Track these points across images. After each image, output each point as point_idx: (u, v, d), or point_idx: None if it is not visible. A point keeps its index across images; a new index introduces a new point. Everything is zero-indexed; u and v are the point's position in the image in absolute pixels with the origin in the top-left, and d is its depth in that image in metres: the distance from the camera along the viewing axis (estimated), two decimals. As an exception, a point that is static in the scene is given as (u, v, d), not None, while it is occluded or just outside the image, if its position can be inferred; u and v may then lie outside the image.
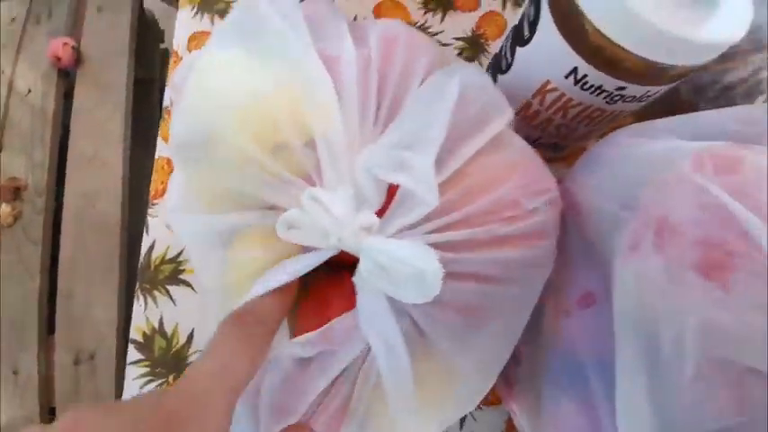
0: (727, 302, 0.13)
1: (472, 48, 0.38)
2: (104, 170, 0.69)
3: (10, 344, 0.65)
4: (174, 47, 0.35)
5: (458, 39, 0.39)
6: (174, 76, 0.26)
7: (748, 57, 0.31)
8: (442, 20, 0.39)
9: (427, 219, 0.20)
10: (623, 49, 0.22)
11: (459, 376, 0.23)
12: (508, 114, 0.25)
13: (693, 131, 0.20)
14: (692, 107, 0.34)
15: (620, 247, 0.17)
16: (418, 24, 0.38)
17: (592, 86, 0.25)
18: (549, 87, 0.27)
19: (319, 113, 0.21)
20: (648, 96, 0.26)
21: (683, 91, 0.34)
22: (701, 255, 0.14)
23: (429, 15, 0.39)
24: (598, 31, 0.22)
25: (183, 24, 0.35)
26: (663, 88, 0.25)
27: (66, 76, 0.74)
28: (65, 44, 0.69)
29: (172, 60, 0.35)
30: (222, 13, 0.36)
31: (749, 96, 0.31)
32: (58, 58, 0.69)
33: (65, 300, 0.65)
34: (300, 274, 0.20)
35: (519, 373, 0.24)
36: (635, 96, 0.25)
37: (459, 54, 0.38)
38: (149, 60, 0.84)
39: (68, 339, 0.64)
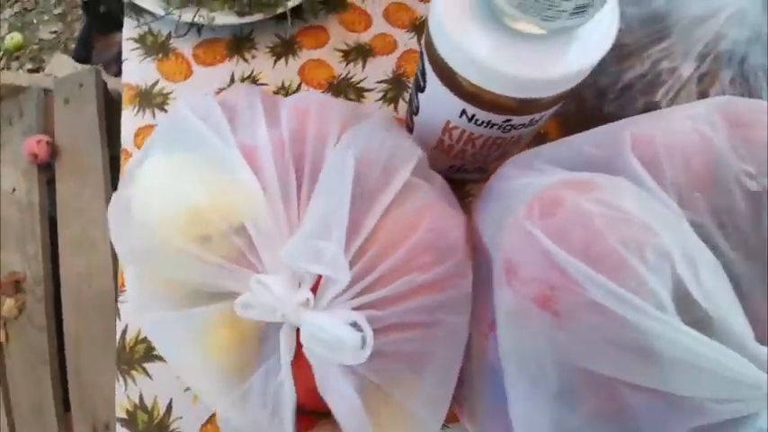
0: (560, 326, 0.15)
1: (395, 87, 0.41)
2: (94, 249, 0.73)
3: (32, 428, 0.69)
4: (123, 145, 0.38)
5: (380, 82, 0.42)
6: (123, 176, 0.29)
7: (645, 51, 0.34)
8: (363, 68, 0.42)
9: (352, 284, 0.22)
10: (493, 93, 0.25)
11: (414, 416, 0.25)
12: (414, 159, 0.27)
13: (565, 158, 0.23)
14: (598, 111, 0.36)
15: (496, 280, 0.19)
16: (341, 76, 0.41)
17: (483, 122, 0.28)
18: (450, 126, 0.30)
19: (247, 205, 0.24)
20: (537, 121, 0.28)
21: (589, 96, 0.36)
22: (536, 289, 0.16)
23: (351, 66, 0.42)
24: (468, 81, 0.25)
25: (128, 122, 0.39)
26: (547, 112, 0.28)
27: (47, 168, 0.78)
28: (39, 141, 0.73)
29: (122, 158, 0.38)
30: (161, 106, 0.39)
31: (649, 91, 0.33)
32: (35, 155, 0.74)
33: (75, 377, 0.69)
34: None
35: (463, 394, 0.26)
36: (524, 123, 0.28)
37: (384, 96, 0.41)
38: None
39: (84, 414, 0.67)
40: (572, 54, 0.24)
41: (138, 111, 0.39)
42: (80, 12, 1.27)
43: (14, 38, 1.27)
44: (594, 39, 0.25)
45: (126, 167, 0.28)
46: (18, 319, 0.72)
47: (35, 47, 1.27)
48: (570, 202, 0.16)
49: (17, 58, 1.27)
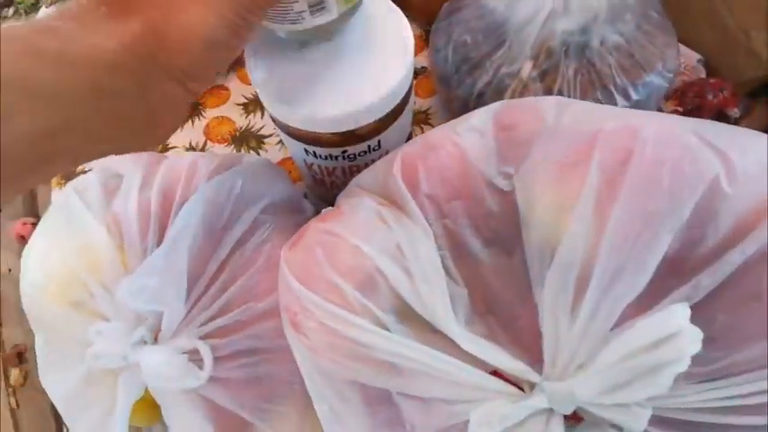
0: (310, 347, 0.17)
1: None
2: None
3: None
4: (53, 223, 0.42)
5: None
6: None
7: (488, 60, 0.36)
8: (262, 116, 0.45)
9: (195, 316, 0.25)
10: (315, 132, 0.27)
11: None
12: (265, 199, 0.30)
13: (370, 182, 0.25)
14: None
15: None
16: (243, 128, 0.45)
17: (326, 156, 0.30)
18: (308, 162, 0.32)
19: (101, 268, 0.27)
20: (377, 147, 0.30)
21: (454, 108, 0.38)
22: (289, 315, 0.18)
23: (251, 117, 0.45)
24: (296, 129, 0.28)
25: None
26: (383, 136, 0.30)
27: (36, 247, 0.84)
28: (24, 223, 0.80)
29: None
30: (83, 182, 0.44)
31: (498, 96, 0.35)
32: (23, 237, 0.80)
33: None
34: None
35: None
36: (365, 151, 0.30)
37: (281, 140, 0.44)
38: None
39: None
40: (360, 90, 0.26)
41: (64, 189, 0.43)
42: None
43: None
44: (383, 73, 0.26)
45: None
46: (24, 387, 0.77)
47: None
48: (308, 234, 0.19)
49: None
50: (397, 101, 0.28)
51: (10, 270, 0.87)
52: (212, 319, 0.25)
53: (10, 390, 0.77)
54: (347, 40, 0.27)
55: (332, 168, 0.32)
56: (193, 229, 0.27)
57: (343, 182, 0.35)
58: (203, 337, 0.25)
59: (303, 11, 0.22)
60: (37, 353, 0.31)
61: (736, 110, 0.42)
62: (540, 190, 0.17)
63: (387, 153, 0.32)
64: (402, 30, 0.28)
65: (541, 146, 0.18)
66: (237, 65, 0.48)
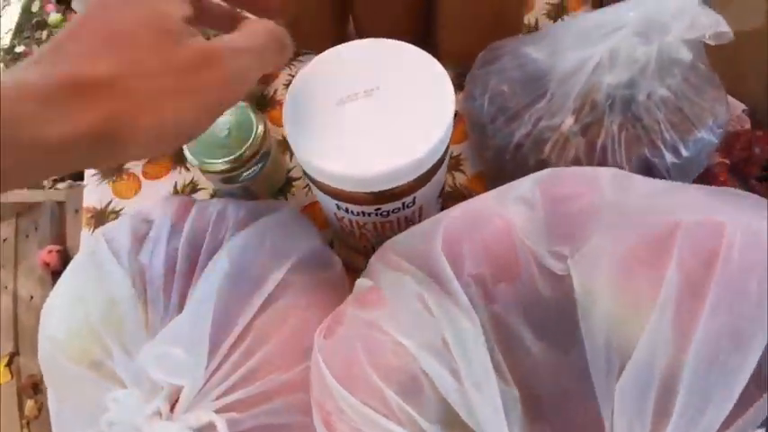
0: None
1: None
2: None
3: None
4: (78, 263, 0.42)
5: (307, 169, 0.44)
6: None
7: (528, 111, 0.34)
8: (291, 158, 0.45)
9: (214, 386, 0.24)
10: (350, 192, 0.26)
11: None
12: (292, 258, 0.29)
13: (406, 249, 0.23)
14: (500, 172, 0.37)
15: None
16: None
17: (358, 212, 0.29)
18: (339, 216, 0.31)
19: (123, 327, 0.26)
20: (410, 204, 0.29)
21: (489, 157, 0.37)
22: (321, 414, 0.16)
23: (279, 158, 0.45)
24: (329, 186, 0.27)
25: (84, 242, 0.43)
26: (417, 194, 0.29)
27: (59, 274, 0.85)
28: (50, 251, 0.81)
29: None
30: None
31: (537, 149, 0.34)
32: (47, 264, 0.81)
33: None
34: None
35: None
36: (398, 208, 0.29)
37: (308, 184, 0.43)
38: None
39: None
40: (399, 151, 0.25)
41: (93, 231, 0.43)
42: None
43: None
44: (423, 134, 0.25)
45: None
46: (38, 419, 0.76)
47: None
48: (347, 321, 0.17)
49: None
50: (435, 160, 0.27)
51: (32, 297, 0.88)
52: (233, 389, 0.23)
53: (24, 421, 0.77)
54: (387, 96, 0.27)
55: (363, 223, 0.31)
56: (219, 291, 0.25)
57: (373, 234, 0.33)
58: (222, 410, 0.23)
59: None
60: (49, 407, 0.30)
61: (788, 163, 0.39)
62: (604, 284, 0.16)
63: (420, 208, 0.31)
64: (444, 87, 0.27)
65: (602, 229, 0.17)
66: (269, 106, 0.48)
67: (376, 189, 0.26)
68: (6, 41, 1.96)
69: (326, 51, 0.30)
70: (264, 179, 0.40)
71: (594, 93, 0.31)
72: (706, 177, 0.40)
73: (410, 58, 0.28)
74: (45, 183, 1.38)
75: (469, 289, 0.19)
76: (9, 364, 0.78)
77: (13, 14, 2.00)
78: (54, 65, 0.16)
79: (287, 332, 0.25)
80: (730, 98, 0.42)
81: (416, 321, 0.17)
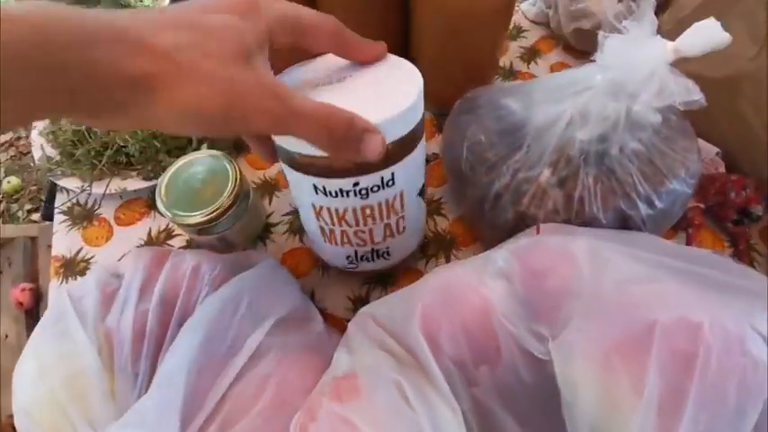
0: None
1: (298, 218, 0.43)
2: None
3: None
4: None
5: (285, 214, 0.44)
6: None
7: (505, 163, 0.35)
8: (270, 202, 0.44)
9: None
10: (322, 156, 0.25)
11: None
12: (271, 319, 0.28)
13: (386, 318, 0.23)
14: (480, 220, 0.37)
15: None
16: (249, 215, 0.44)
17: (336, 191, 0.28)
18: (317, 207, 0.31)
19: (89, 402, 0.25)
20: (390, 181, 0.28)
21: (469, 206, 0.37)
22: None
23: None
24: (300, 154, 0.26)
25: (53, 293, 0.41)
26: (395, 168, 0.28)
27: (33, 312, 0.82)
28: (23, 290, 0.78)
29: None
30: (82, 272, 0.42)
31: (516, 200, 0.34)
32: (21, 303, 0.78)
33: None
34: None
35: None
36: (378, 185, 0.28)
37: (289, 227, 0.43)
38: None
39: None
40: (373, 111, 0.24)
41: (62, 281, 0.42)
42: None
43: (12, 182, 1.39)
44: (395, 100, 0.25)
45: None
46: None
47: (33, 188, 1.39)
48: (321, 417, 0.17)
49: (16, 200, 1.38)
50: (410, 128, 0.27)
51: (6, 336, 0.84)
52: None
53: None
54: (360, 79, 0.27)
55: (342, 212, 0.30)
56: (191, 360, 0.24)
57: (353, 234, 0.33)
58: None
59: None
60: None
61: (759, 207, 0.40)
62: (586, 377, 0.15)
63: (401, 195, 0.31)
64: (411, 69, 0.27)
65: (581, 314, 0.17)
66: (246, 149, 0.48)
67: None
68: None
69: (303, 61, 0.30)
70: (242, 228, 0.39)
71: (569, 147, 0.32)
72: (682, 222, 0.41)
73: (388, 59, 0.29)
74: (20, 214, 1.35)
75: (450, 372, 0.18)
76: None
77: None
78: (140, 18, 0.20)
79: (266, 402, 0.24)
80: (704, 142, 0.43)
81: (394, 417, 0.16)
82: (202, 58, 0.19)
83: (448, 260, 0.41)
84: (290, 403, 0.25)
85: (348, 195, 0.29)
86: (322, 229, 0.33)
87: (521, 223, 0.34)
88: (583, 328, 0.16)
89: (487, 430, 0.17)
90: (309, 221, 0.34)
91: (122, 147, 0.42)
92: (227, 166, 0.37)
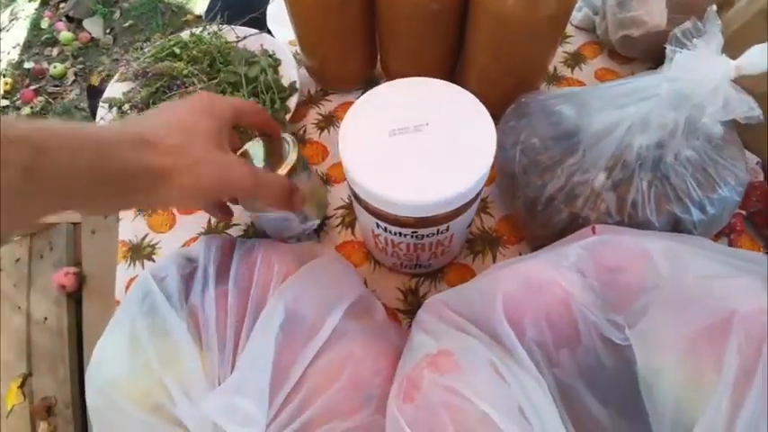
0: None
1: (352, 212, 0.45)
2: (117, 370, 0.77)
3: None
4: (116, 296, 0.43)
5: (338, 208, 0.46)
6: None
7: (560, 166, 0.36)
8: (323, 197, 0.46)
9: (278, 430, 0.25)
10: (393, 214, 0.29)
11: None
12: (344, 303, 0.30)
13: (462, 307, 0.25)
14: (531, 220, 0.38)
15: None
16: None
17: (395, 233, 0.31)
18: (375, 233, 0.33)
19: (183, 373, 0.27)
20: (444, 231, 0.31)
21: (521, 207, 0.39)
22: None
23: (312, 197, 0.47)
24: (374, 207, 0.29)
25: (120, 275, 0.44)
26: (451, 223, 0.31)
27: (75, 295, 0.86)
28: (66, 273, 0.81)
29: (116, 307, 0.43)
30: (149, 257, 0.45)
31: (570, 202, 0.35)
32: (64, 286, 0.81)
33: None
34: None
35: None
36: (432, 233, 0.31)
37: (342, 221, 0.45)
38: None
39: None
40: (445, 183, 0.27)
41: (130, 264, 0.44)
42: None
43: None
44: (467, 170, 0.28)
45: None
46: (52, 443, 0.76)
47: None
48: (426, 386, 0.18)
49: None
50: (473, 195, 0.29)
51: (46, 319, 0.88)
52: (294, 436, 0.24)
53: (36, 445, 0.76)
54: (435, 132, 0.29)
55: (398, 242, 0.33)
56: (275, 339, 0.27)
57: (405, 254, 0.35)
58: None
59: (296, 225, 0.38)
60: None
61: (801, 215, 0.41)
62: (670, 362, 0.17)
63: (452, 236, 0.34)
64: (487, 131, 0.29)
65: (661, 306, 0.18)
66: (300, 143, 0.50)
67: (417, 215, 0.28)
68: (15, 56, 2.00)
69: (378, 87, 0.33)
70: (310, 196, 0.38)
71: (626, 153, 0.33)
72: (725, 227, 0.42)
73: (455, 97, 0.32)
74: None
75: (533, 353, 0.20)
76: (22, 386, 0.77)
77: (20, 30, 2.04)
78: (141, 125, 0.26)
79: (345, 381, 0.26)
80: (745, 151, 0.44)
81: (493, 389, 0.18)
82: (198, 151, 0.26)
83: (494, 257, 0.42)
84: (366, 382, 0.27)
85: (405, 237, 0.32)
86: (376, 243, 0.36)
87: (573, 224, 0.35)
88: (664, 318, 0.18)
89: (571, 407, 0.19)
90: (366, 232, 0.37)
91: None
92: (285, 139, 0.37)
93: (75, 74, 1.68)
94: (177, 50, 0.49)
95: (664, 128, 0.32)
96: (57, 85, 1.67)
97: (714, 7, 0.27)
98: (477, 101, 0.32)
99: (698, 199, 0.33)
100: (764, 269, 0.22)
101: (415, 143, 0.29)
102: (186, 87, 0.47)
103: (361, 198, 0.30)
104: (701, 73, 0.26)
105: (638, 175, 0.34)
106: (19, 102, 1.72)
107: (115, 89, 0.51)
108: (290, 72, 0.51)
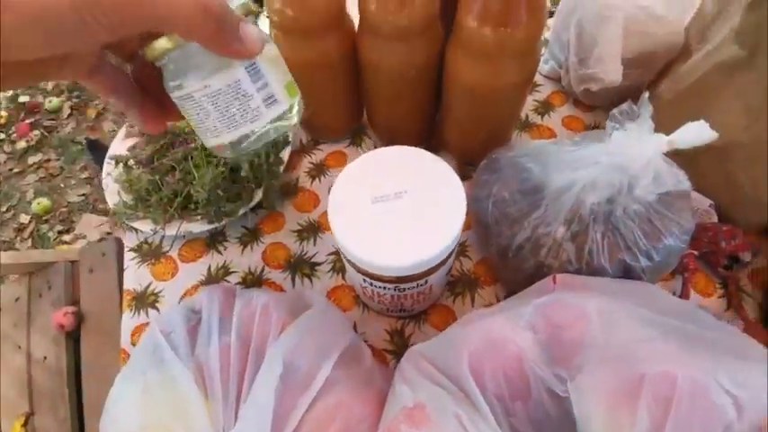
0: None
1: (341, 258, 0.49)
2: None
3: None
4: (121, 345, 0.46)
5: (329, 254, 0.50)
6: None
7: (527, 219, 0.41)
8: (315, 243, 0.50)
9: None
10: (377, 273, 0.33)
11: None
12: (336, 352, 0.34)
13: (438, 360, 0.29)
14: (503, 266, 0.43)
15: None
16: (297, 255, 0.50)
17: (379, 286, 0.36)
18: (362, 285, 0.37)
19: (189, 423, 0.30)
20: (424, 284, 0.36)
21: (494, 254, 0.43)
22: None
23: (305, 243, 0.50)
24: (360, 267, 0.33)
25: (126, 324, 0.47)
26: (430, 278, 0.35)
27: (74, 334, 0.88)
28: (65, 313, 0.84)
29: (120, 357, 0.46)
30: (152, 305, 0.48)
31: (536, 252, 0.40)
32: (62, 326, 0.84)
33: None
34: None
35: None
36: (413, 287, 0.35)
37: (333, 267, 0.49)
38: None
39: None
40: (420, 247, 0.32)
41: (135, 313, 0.48)
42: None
43: (41, 203, 1.45)
44: (440, 234, 0.33)
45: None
46: (51, 482, 0.77)
47: (64, 209, 1.46)
48: (432, 410, 0.22)
49: (46, 221, 1.45)
50: (448, 253, 0.33)
51: (45, 357, 0.89)
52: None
53: (36, 484, 0.77)
54: (412, 199, 0.34)
55: (382, 293, 0.37)
56: (275, 391, 0.30)
57: (390, 301, 0.40)
58: None
59: (258, 106, 0.23)
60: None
61: (747, 254, 0.46)
62: (595, 411, 0.21)
63: (431, 287, 0.38)
64: (458, 194, 0.34)
65: (593, 363, 0.22)
66: (293, 194, 0.54)
67: (399, 275, 0.33)
68: (9, 90, 2.04)
69: (363, 156, 0.37)
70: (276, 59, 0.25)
71: (581, 208, 0.38)
72: (679, 266, 0.46)
73: (430, 165, 0.36)
74: (50, 235, 1.41)
75: (492, 405, 0.24)
76: (25, 425, 0.79)
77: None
78: None
79: (337, 428, 0.29)
80: (699, 195, 0.49)
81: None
82: None
83: (473, 298, 0.46)
84: (354, 428, 0.30)
85: (389, 289, 0.36)
86: (364, 292, 0.40)
87: (539, 271, 0.40)
88: (594, 373, 0.22)
89: (524, 451, 0.22)
90: (354, 282, 0.41)
91: (190, 194, 0.48)
92: None
93: (71, 107, 1.71)
94: (178, 110, 0.53)
95: (611, 187, 0.37)
96: (52, 119, 1.70)
97: (647, 94, 0.31)
98: (450, 168, 0.36)
99: (645, 248, 0.37)
100: (690, 323, 0.26)
101: (395, 210, 0.33)
102: (188, 143, 0.51)
103: (349, 259, 0.34)
104: (635, 150, 0.31)
105: (592, 228, 0.38)
106: (14, 135, 1.75)
107: (119, 145, 0.55)
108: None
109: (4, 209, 1.54)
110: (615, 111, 0.32)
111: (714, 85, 0.42)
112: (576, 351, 0.24)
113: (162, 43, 0.21)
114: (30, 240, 1.40)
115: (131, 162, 0.52)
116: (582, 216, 0.38)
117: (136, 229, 0.52)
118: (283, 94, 0.24)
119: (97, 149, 1.15)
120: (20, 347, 0.87)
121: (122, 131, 0.56)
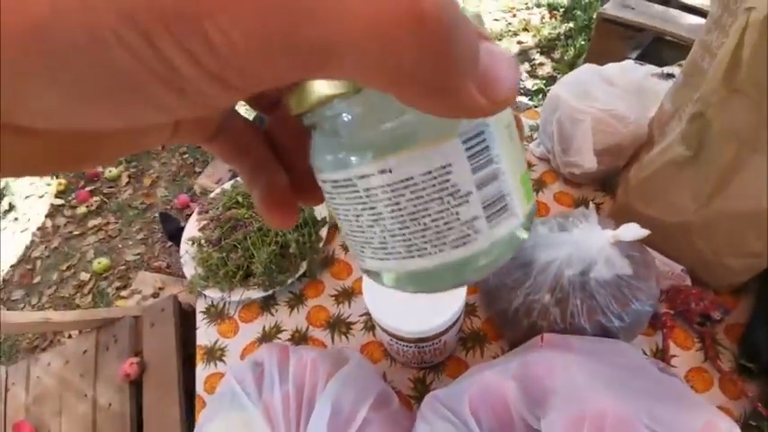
0: None
1: (371, 319, 0.60)
2: (173, 451, 0.88)
3: None
4: (197, 392, 0.57)
5: (362, 315, 0.60)
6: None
7: (520, 287, 0.51)
8: (349, 306, 0.61)
9: None
10: (401, 336, 0.42)
11: None
12: (371, 397, 0.44)
13: (451, 403, 0.38)
14: (503, 325, 0.52)
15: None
16: (335, 315, 0.60)
17: (404, 345, 0.45)
18: (390, 343, 0.47)
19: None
20: (439, 342, 0.45)
21: (495, 316, 0.53)
22: None
23: (341, 306, 0.61)
24: (389, 331, 0.43)
25: (200, 375, 0.58)
26: (444, 337, 0.44)
27: (136, 383, 0.99)
28: (131, 363, 0.96)
29: (197, 403, 0.56)
30: (220, 358, 0.59)
31: (528, 314, 0.49)
32: (128, 375, 0.95)
33: None
34: None
35: None
36: (432, 344, 0.45)
37: (365, 325, 0.59)
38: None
39: None
40: (432, 316, 0.42)
41: (206, 365, 0.59)
42: (160, 233, 1.66)
43: (101, 262, 1.63)
44: (447, 305, 0.43)
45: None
46: None
47: (122, 267, 1.63)
48: None
49: (105, 278, 1.61)
50: (455, 318, 0.43)
51: (110, 405, 1.01)
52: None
53: None
54: None
55: (405, 349, 0.47)
56: (325, 430, 0.40)
57: (412, 355, 0.49)
58: None
59: (475, 216, 0.13)
60: None
61: (717, 312, 0.54)
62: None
63: (445, 343, 0.47)
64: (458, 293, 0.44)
65: (557, 406, 0.32)
66: (330, 264, 0.65)
67: (417, 337, 0.42)
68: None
69: None
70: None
71: (562, 279, 0.48)
72: (656, 324, 0.54)
73: None
74: (109, 290, 1.56)
75: (485, 436, 0.33)
76: (92, 468, 0.89)
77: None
78: None
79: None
80: (671, 261, 0.58)
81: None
82: None
83: (482, 352, 0.55)
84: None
85: (410, 347, 0.46)
86: (390, 348, 0.51)
87: (533, 329, 0.49)
88: (557, 413, 0.31)
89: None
90: (383, 340, 0.51)
91: (249, 267, 0.61)
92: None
93: (129, 176, 1.94)
94: (240, 198, 0.67)
95: (583, 262, 0.47)
96: (111, 187, 1.92)
97: (592, 205, 0.42)
98: None
99: (616, 312, 0.46)
100: (637, 375, 0.35)
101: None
102: (247, 226, 0.64)
103: (380, 326, 0.45)
104: (589, 242, 0.41)
105: (572, 295, 0.48)
106: (74, 201, 1.95)
107: (192, 226, 0.69)
108: (320, 207, 0.68)
109: (63, 267, 1.72)
110: (575, 211, 0.43)
111: (668, 175, 0.53)
112: (548, 396, 0.33)
113: (321, 87, 0.13)
114: (90, 296, 1.56)
115: (203, 242, 0.65)
116: (563, 285, 0.48)
117: (205, 296, 0.64)
118: (518, 196, 0.14)
119: (168, 220, 1.36)
120: (86, 396, 0.98)
121: (195, 214, 0.70)
